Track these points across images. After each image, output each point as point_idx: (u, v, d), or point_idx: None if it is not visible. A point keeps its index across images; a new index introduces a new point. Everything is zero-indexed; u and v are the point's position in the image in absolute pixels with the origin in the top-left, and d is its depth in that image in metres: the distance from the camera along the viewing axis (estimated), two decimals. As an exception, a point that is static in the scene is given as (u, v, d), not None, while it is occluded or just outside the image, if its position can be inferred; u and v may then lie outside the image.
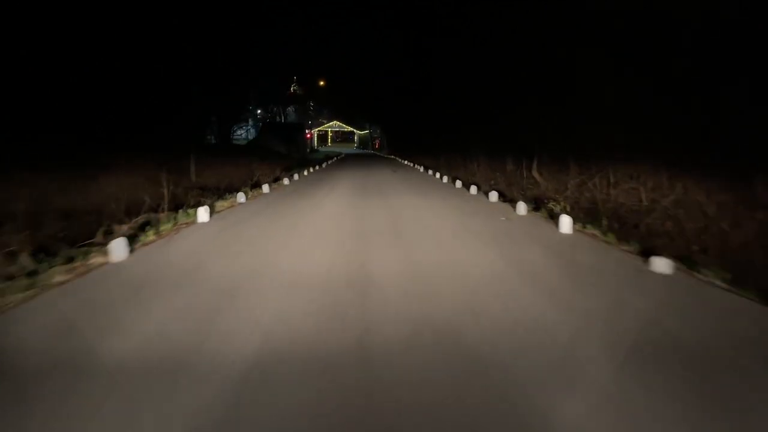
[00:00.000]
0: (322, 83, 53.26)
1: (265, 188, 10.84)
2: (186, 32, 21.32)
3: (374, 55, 38.56)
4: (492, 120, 20.36)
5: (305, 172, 17.30)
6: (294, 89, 55.79)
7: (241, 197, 8.97)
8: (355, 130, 60.97)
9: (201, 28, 22.62)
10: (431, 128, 29.12)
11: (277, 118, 52.10)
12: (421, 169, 19.23)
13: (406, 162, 26.21)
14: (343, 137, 62.24)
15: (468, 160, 20.10)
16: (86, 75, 16.68)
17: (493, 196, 9.17)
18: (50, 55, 15.40)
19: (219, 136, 35.86)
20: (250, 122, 53.24)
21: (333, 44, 44.43)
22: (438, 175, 15.59)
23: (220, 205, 8.24)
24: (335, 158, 32.09)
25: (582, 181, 11.17)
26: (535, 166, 14.30)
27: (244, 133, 50.73)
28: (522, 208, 7.49)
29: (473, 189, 10.75)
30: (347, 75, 44.78)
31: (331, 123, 59.84)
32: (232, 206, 8.41)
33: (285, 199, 9.40)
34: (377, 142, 56.39)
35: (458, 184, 12.38)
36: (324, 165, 23.80)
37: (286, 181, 13.16)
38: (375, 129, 57.54)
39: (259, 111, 53.54)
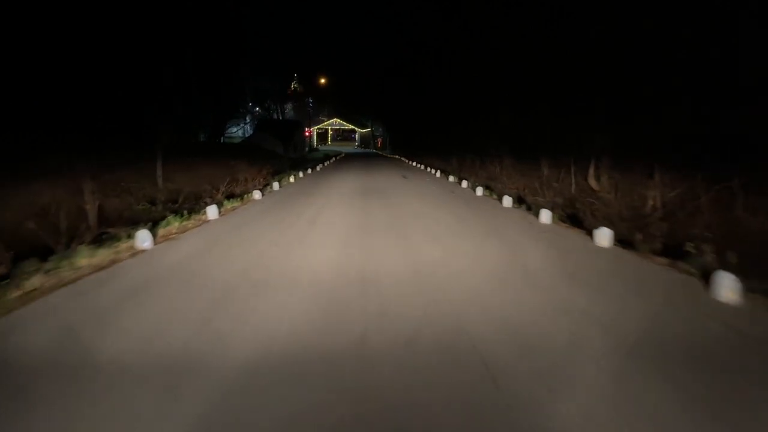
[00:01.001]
0: (323, 81, 48.87)
1: (211, 212, 6.55)
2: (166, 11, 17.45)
3: (376, 47, 34.21)
4: (517, 111, 15.97)
5: (292, 179, 12.95)
6: (294, 87, 51.42)
7: (143, 239, 4.67)
8: (356, 128, 56.40)
9: (185, 9, 18.78)
10: (439, 125, 24.76)
11: (275, 115, 47.63)
12: (437, 173, 14.90)
13: (414, 163, 21.88)
14: (344, 135, 57.70)
15: (487, 160, 15.97)
16: (44, 62, 13.19)
17: (604, 235, 4.83)
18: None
19: (210, 133, 31.75)
20: (248, 119, 48.73)
21: (333, 38, 40.25)
22: (465, 183, 11.24)
23: (82, 265, 3.94)
24: (334, 158, 27.80)
25: (681, 194, 7.12)
26: (592, 171, 10.25)
27: (240, 131, 46.26)
28: (728, 285, 3.16)
29: (545, 214, 6.41)
30: (348, 70, 40.56)
31: (331, 120, 55.29)
32: (113, 262, 4.13)
33: (230, 240, 5.12)
34: (379, 140, 51.82)
35: (507, 201, 8.03)
36: (320, 167, 19.52)
37: (257, 195, 8.83)
38: (377, 127, 52.94)
39: (257, 108, 48.91)
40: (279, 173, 15.81)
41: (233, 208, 7.41)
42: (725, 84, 9.21)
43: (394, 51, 31.04)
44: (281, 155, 28.44)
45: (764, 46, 7.47)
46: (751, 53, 8.17)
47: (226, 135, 44.03)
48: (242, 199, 8.30)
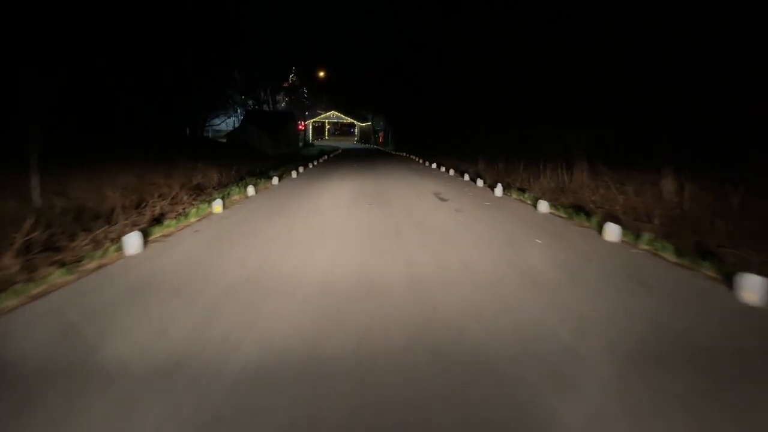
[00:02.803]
0: (321, 74, 42.71)
1: None
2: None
3: (376, 47, 28.57)
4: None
5: (218, 209, 7.13)
6: (292, 80, 45.34)
7: None
8: (355, 122, 50.36)
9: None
10: (458, 117, 18.93)
11: (265, 106, 41.37)
12: (496, 189, 8.68)
13: (431, 165, 16.17)
14: (342, 130, 51.73)
15: (541, 164, 10.46)
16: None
17: None
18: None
19: (187, 127, 26.01)
20: (238, 110, 42.51)
21: (333, 37, 34.41)
22: (615, 231, 4.99)
23: None
24: (327, 156, 22.15)
25: None
26: None
27: (229, 123, 40.01)
28: None
29: None
30: (348, 69, 34.71)
31: (328, 113, 49.19)
32: None
33: None
34: (381, 135, 45.74)
35: None
36: (305, 169, 13.83)
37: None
38: (378, 121, 46.87)
39: (250, 101, 42.64)
40: (248, 177, 10.42)
41: None
42: None
43: (395, 51, 26.07)
44: (267, 152, 22.80)
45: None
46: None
47: (213, 128, 38.03)
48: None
